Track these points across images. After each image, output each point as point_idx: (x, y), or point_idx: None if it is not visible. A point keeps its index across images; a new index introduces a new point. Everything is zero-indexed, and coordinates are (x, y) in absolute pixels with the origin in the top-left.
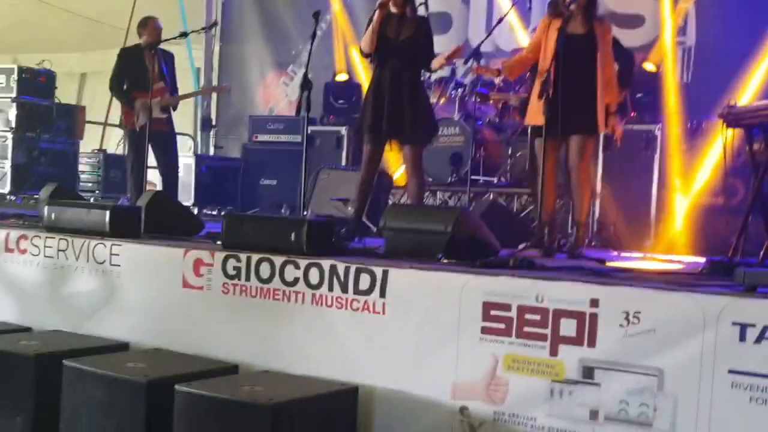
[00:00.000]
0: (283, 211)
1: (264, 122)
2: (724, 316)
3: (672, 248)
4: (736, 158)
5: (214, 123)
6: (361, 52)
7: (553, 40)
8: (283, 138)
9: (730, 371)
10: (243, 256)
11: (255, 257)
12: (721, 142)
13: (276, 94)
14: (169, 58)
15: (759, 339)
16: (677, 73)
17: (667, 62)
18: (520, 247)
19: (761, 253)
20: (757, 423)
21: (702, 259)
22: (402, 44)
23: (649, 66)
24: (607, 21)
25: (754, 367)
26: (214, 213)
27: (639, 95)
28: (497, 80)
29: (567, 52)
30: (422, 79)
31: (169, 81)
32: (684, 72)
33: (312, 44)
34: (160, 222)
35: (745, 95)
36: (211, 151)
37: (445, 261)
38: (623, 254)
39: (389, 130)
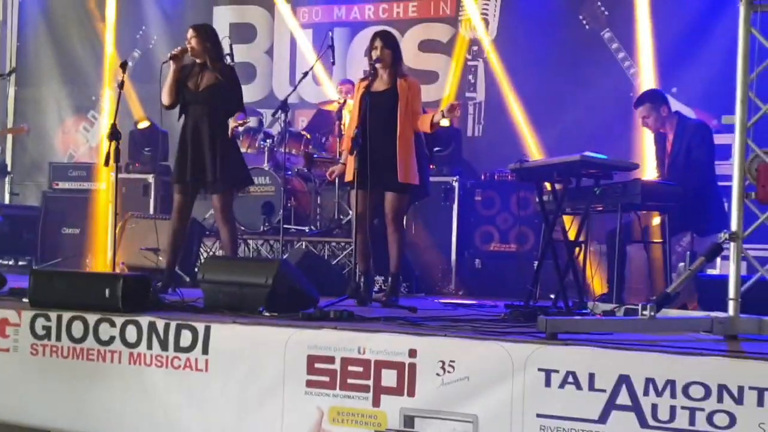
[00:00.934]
0: (88, 260)
1: (65, 169)
2: (530, 362)
3: (471, 292)
4: (526, 208)
5: (9, 169)
6: (163, 104)
7: (358, 99)
8: (86, 185)
9: (538, 415)
10: (53, 315)
11: (66, 316)
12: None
13: (76, 139)
14: None
15: (562, 384)
16: (469, 127)
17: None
18: (340, 298)
19: (553, 297)
20: None
21: (499, 303)
22: (202, 94)
23: (444, 122)
24: (411, 77)
25: (559, 411)
26: (11, 263)
27: (436, 149)
28: (304, 131)
29: (372, 109)
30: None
31: None
32: (475, 126)
33: (120, 94)
34: None
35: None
36: (7, 199)
37: (267, 314)
38: (430, 299)
39: (193, 180)
